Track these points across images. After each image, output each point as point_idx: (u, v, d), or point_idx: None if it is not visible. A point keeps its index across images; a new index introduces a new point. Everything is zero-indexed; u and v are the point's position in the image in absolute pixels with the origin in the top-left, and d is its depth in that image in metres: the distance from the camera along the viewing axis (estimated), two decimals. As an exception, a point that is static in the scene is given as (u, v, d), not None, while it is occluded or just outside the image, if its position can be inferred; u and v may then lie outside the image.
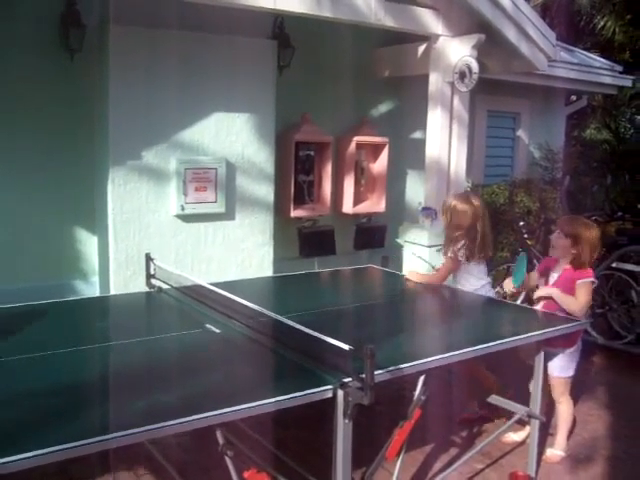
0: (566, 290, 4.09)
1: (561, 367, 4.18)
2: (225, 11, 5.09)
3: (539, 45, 6.40)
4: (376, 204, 7.06)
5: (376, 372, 2.58)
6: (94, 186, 5.56)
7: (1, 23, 5.04)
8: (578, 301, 4.04)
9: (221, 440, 2.53)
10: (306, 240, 6.53)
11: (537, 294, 4.22)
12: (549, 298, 4.12)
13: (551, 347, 4.03)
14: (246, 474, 2.54)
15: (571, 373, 4.22)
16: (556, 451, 4.23)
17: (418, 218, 6.42)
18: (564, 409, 4.26)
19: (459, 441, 4.39)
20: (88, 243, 5.70)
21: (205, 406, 2.43)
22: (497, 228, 7.59)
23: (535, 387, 3.87)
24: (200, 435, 4.01)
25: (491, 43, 6.23)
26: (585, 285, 4.06)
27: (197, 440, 4.15)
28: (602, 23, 12.56)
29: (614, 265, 6.30)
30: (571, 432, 4.42)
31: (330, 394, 2.63)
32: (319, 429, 2.98)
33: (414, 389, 3.19)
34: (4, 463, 2.00)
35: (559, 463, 4.17)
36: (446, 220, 4.59)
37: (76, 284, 5.64)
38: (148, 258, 4.36)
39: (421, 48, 6.55)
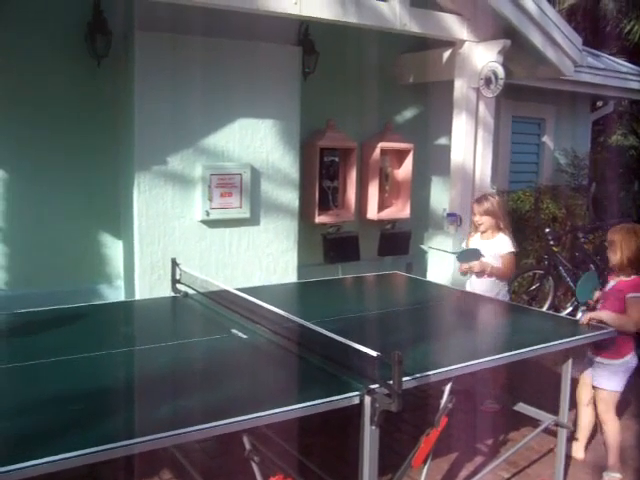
0: (617, 301, 3.99)
1: (607, 379, 4.07)
2: (250, 17, 5.12)
3: (565, 50, 6.35)
4: (401, 210, 7.04)
5: (404, 379, 2.56)
6: (120, 191, 5.61)
7: (31, 30, 5.11)
8: (631, 318, 3.88)
9: (247, 445, 2.52)
10: (330, 246, 6.53)
11: (586, 317, 3.92)
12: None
13: (600, 357, 4.01)
14: (272, 480, 2.53)
15: (617, 388, 4.06)
16: (612, 474, 4.10)
17: (443, 224, 6.40)
18: (609, 428, 4.12)
19: (485, 449, 4.35)
20: (113, 247, 5.74)
21: (231, 412, 2.43)
22: (523, 234, 7.56)
23: (563, 395, 3.81)
24: (225, 440, 4.02)
25: (517, 48, 6.19)
26: (635, 300, 3.90)
27: (222, 445, 4.16)
28: (629, 27, 12.44)
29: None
30: (587, 438, 4.36)
31: (357, 400, 2.62)
32: (345, 436, 2.97)
33: (439, 396, 3.16)
34: (33, 466, 2.01)
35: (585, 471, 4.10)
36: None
37: (101, 288, 5.68)
38: (174, 263, 4.38)
39: (446, 54, 6.52)
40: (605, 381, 4.08)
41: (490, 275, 4.77)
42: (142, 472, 3.89)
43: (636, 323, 3.88)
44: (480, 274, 4.78)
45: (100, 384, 2.77)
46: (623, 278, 4.04)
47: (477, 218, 4.82)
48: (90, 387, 2.72)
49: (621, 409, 5.05)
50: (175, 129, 5.43)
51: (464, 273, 4.92)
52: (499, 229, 4.79)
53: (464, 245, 5.11)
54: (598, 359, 4.06)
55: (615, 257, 4.04)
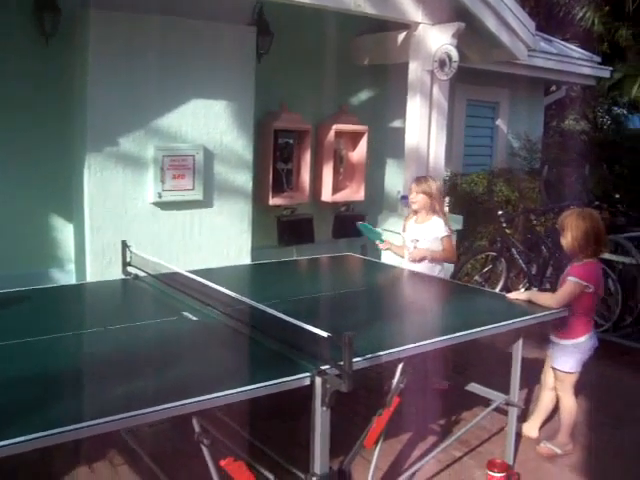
0: (564, 282, 4.04)
1: (562, 360, 4.14)
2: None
3: (519, 34, 6.40)
4: (355, 192, 7.04)
5: (354, 359, 2.56)
6: (71, 173, 5.48)
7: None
8: (554, 296, 3.96)
9: (197, 428, 2.49)
10: (285, 228, 6.51)
11: (512, 296, 4.08)
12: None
13: (557, 337, 4.10)
14: (223, 463, 2.51)
15: (571, 369, 4.13)
16: (552, 446, 4.19)
17: (397, 206, 6.42)
18: (564, 407, 4.20)
19: (437, 429, 4.39)
20: (65, 231, 5.64)
21: (181, 394, 2.40)
22: (476, 217, 7.63)
23: (513, 375, 3.86)
24: (178, 424, 3.98)
25: (471, 32, 6.22)
26: (570, 283, 3.96)
27: (175, 429, 4.11)
28: (581, 14, 12.59)
29: (591, 254, 6.32)
30: (543, 420, 4.43)
31: (308, 381, 2.61)
32: (299, 418, 2.96)
33: (393, 377, 3.17)
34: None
35: (548, 457, 4.16)
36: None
37: (52, 272, 5.57)
38: (124, 245, 4.31)
39: (401, 36, 6.52)
40: (560, 362, 4.15)
41: (432, 260, 4.81)
42: (93, 457, 3.84)
43: (556, 299, 3.92)
44: (418, 260, 4.82)
45: (49, 368, 2.72)
46: (575, 263, 4.11)
47: (413, 195, 4.85)
48: (39, 371, 2.66)
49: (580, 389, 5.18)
50: (127, 110, 5.33)
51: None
52: (433, 211, 4.82)
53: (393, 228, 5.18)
54: (554, 339, 4.14)
55: (566, 242, 4.10)
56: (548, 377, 4.32)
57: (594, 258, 4.09)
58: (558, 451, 4.17)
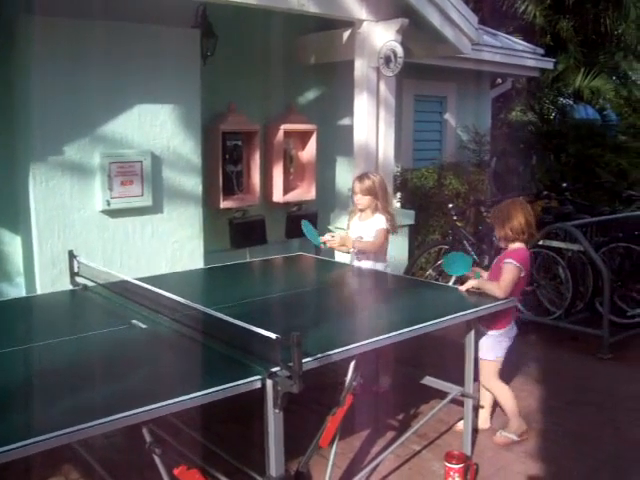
0: (498, 271, 4.10)
1: (489, 350, 4.20)
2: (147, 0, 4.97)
3: (462, 29, 6.47)
4: (306, 192, 7.04)
5: (304, 360, 2.56)
6: (15, 184, 5.37)
7: None
8: (500, 286, 3.97)
9: (148, 438, 2.46)
10: (237, 231, 6.48)
11: (464, 287, 4.10)
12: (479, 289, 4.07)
13: (483, 327, 4.11)
14: (176, 471, 2.48)
15: (494, 357, 4.21)
16: (508, 434, 4.24)
17: (349, 204, 6.43)
18: (499, 396, 4.28)
19: (395, 424, 4.42)
20: (11, 243, 5.53)
21: (131, 404, 2.37)
22: (427, 211, 7.70)
23: (467, 366, 3.90)
24: (132, 434, 3.94)
25: (415, 27, 6.27)
26: (509, 266, 4.02)
27: (129, 440, 4.06)
28: (523, 7, 12.78)
29: (541, 243, 6.43)
30: (494, 410, 4.49)
31: (259, 384, 2.60)
32: (254, 420, 2.95)
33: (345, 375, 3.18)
34: None
35: (505, 445, 4.22)
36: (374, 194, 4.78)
37: (0, 286, 5.45)
38: (71, 255, 4.24)
39: (346, 34, 6.55)
40: (485, 351, 4.21)
41: (361, 251, 4.81)
42: (47, 473, 3.77)
43: (503, 288, 3.96)
44: (360, 255, 4.83)
45: (-5, 383, 2.66)
46: (508, 249, 4.19)
47: (357, 197, 4.82)
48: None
49: (524, 376, 5.25)
50: (72, 117, 5.24)
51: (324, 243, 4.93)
52: (377, 209, 4.80)
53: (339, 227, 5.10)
54: (482, 329, 4.16)
55: (500, 230, 4.20)
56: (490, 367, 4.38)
57: (524, 244, 4.18)
58: (515, 437, 4.23)
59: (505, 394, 4.29)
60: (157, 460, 2.51)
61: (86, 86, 5.27)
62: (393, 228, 4.83)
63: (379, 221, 4.77)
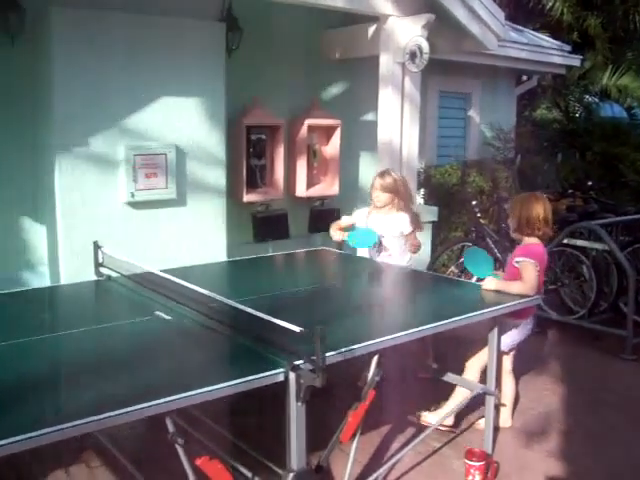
0: (512, 267, 4.08)
1: (501, 339, 4.13)
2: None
3: (489, 25, 6.41)
4: (329, 187, 7.03)
5: (328, 354, 2.56)
6: (41, 174, 5.41)
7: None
8: (524, 283, 3.94)
9: (171, 428, 2.48)
10: (260, 224, 6.48)
11: (486, 287, 4.04)
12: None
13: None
14: (198, 461, 2.50)
15: (506, 347, 4.21)
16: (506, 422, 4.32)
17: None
18: (504, 384, 4.30)
19: (416, 420, 4.40)
20: (36, 233, 5.57)
21: (155, 394, 2.39)
22: (450, 208, 7.67)
23: (490, 364, 3.88)
24: (154, 424, 3.96)
25: (441, 23, 6.22)
26: (524, 264, 3.99)
27: (152, 429, 4.09)
28: (550, 4, 12.67)
29: (565, 241, 6.38)
30: (514, 408, 4.48)
31: (282, 377, 2.60)
32: (275, 414, 2.96)
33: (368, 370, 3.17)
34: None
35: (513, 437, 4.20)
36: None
37: (25, 275, 5.50)
38: (96, 246, 4.27)
39: (371, 29, 6.52)
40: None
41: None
42: (69, 460, 3.82)
43: (533, 287, 3.93)
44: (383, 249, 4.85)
45: (21, 371, 2.69)
46: (520, 245, 4.18)
47: (376, 193, 4.81)
48: (10, 375, 2.63)
49: (547, 375, 5.22)
50: (96, 109, 5.26)
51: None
52: (399, 208, 4.80)
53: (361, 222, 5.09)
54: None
55: (516, 221, 4.17)
56: (505, 363, 4.35)
57: (538, 240, 4.14)
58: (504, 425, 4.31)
59: (509, 386, 4.34)
60: (179, 450, 2.52)
61: (111, 78, 5.30)
62: (417, 226, 4.82)
63: (404, 223, 4.76)
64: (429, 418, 4.29)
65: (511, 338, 4.21)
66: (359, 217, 4.99)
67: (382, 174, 4.84)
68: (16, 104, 5.26)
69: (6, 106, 5.23)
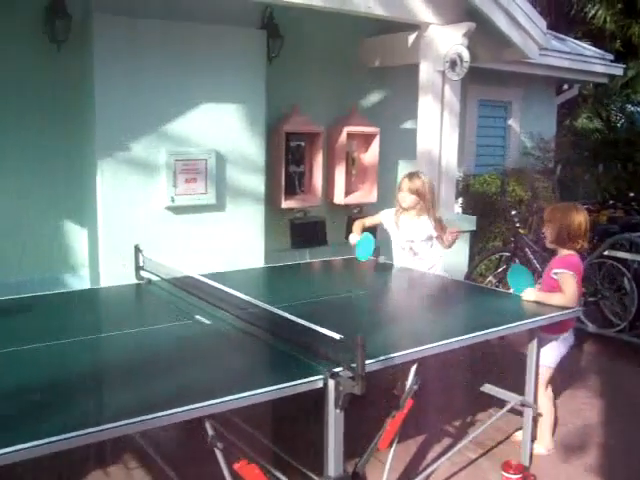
0: (550, 279, 4.03)
1: (545, 354, 4.08)
2: (214, 1, 5.03)
3: (530, 33, 6.36)
4: (368, 194, 7.03)
5: (367, 361, 2.55)
6: (83, 178, 5.51)
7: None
8: (565, 295, 3.89)
9: (210, 432, 2.50)
10: (297, 231, 6.50)
11: (526, 297, 4.00)
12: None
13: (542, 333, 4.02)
14: (236, 466, 2.51)
15: (551, 364, 4.12)
16: (540, 449, 4.18)
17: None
18: (543, 402, 4.16)
19: (452, 430, 4.38)
20: (77, 236, 5.65)
21: (194, 397, 2.41)
22: (489, 218, 7.61)
23: (529, 376, 3.84)
24: (191, 428, 3.99)
25: (482, 31, 6.19)
26: (564, 276, 3.93)
27: (188, 433, 4.13)
28: (593, 12, 12.54)
29: (606, 253, 6.29)
30: (555, 426, 4.38)
31: (321, 384, 2.61)
32: (312, 421, 2.97)
33: (406, 379, 3.16)
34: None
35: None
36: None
37: (66, 278, 5.59)
38: (137, 250, 4.33)
39: (411, 37, 6.51)
40: (543, 356, 4.08)
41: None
42: (107, 461, 3.86)
43: (573, 299, 3.87)
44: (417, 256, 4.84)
45: (63, 372, 2.73)
46: (557, 256, 4.11)
47: (402, 195, 4.77)
48: (53, 375, 2.68)
49: (586, 389, 5.15)
50: (138, 115, 5.34)
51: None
52: (425, 212, 4.77)
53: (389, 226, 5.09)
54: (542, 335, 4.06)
55: (554, 231, 4.08)
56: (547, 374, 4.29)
57: (574, 252, 4.07)
58: (544, 452, 4.17)
59: (548, 406, 4.20)
60: (218, 454, 2.54)
61: (152, 84, 5.38)
62: (442, 231, 4.78)
63: (428, 227, 4.74)
64: (538, 449, 4.17)
65: (557, 352, 4.12)
66: (386, 218, 4.96)
67: (410, 176, 4.82)
68: (61, 109, 5.36)
69: (52, 111, 5.33)
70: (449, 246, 4.86)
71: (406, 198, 4.75)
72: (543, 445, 4.19)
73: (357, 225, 5.13)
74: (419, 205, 4.74)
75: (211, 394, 2.44)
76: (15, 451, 2.01)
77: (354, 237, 5.05)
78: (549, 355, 4.10)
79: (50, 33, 5.15)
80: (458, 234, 4.88)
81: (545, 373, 4.13)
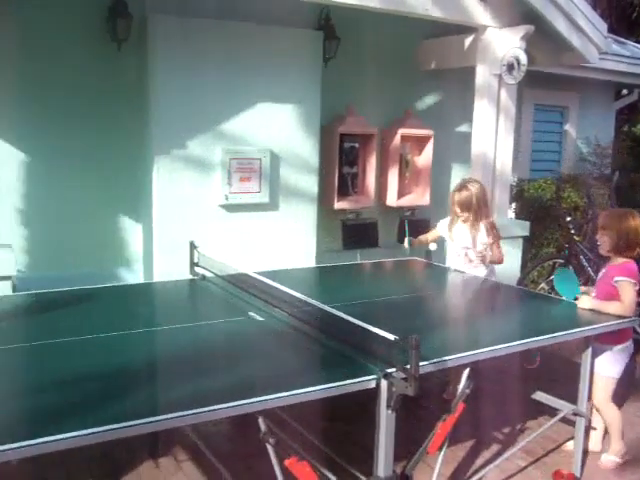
0: (606, 286, 3.97)
1: (607, 365, 4.02)
2: (271, 1, 5.07)
3: (590, 37, 6.27)
4: (420, 197, 7.00)
5: (421, 363, 2.54)
6: (139, 174, 5.61)
7: (51, 15, 5.12)
8: (623, 304, 3.80)
9: (263, 427, 2.52)
10: (349, 232, 6.51)
11: (581, 305, 3.94)
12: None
13: (599, 343, 3.94)
14: (287, 462, 2.52)
15: (614, 374, 4.02)
16: (611, 457, 4.09)
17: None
18: (609, 413, 4.09)
19: (502, 437, 4.33)
20: (132, 231, 5.77)
21: (247, 393, 2.42)
22: (543, 223, 7.50)
23: (582, 384, 3.77)
24: (240, 424, 4.04)
25: (540, 34, 6.12)
26: (624, 284, 3.84)
27: (237, 429, 4.18)
28: (655, 15, 12.28)
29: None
30: (605, 433, 4.30)
31: (373, 384, 2.61)
32: (362, 422, 2.97)
33: (458, 383, 3.14)
34: (46, 442, 2.02)
35: (611, 469, 4.06)
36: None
37: (120, 272, 5.70)
38: (192, 246, 4.39)
39: (468, 40, 6.46)
40: (607, 368, 4.02)
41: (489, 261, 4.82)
42: (157, 453, 3.93)
43: (631, 308, 3.78)
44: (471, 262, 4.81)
45: (117, 364, 2.77)
46: (613, 263, 4.01)
47: (453, 207, 4.77)
48: (107, 366, 2.72)
49: (629, 399, 5.03)
50: (194, 113, 5.43)
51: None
52: (478, 219, 4.74)
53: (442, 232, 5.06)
54: (597, 345, 3.95)
55: (611, 237, 3.99)
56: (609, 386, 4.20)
57: (631, 260, 3.97)
58: (618, 460, 4.08)
59: (615, 414, 4.11)
60: (270, 450, 2.56)
61: (209, 83, 5.45)
62: (496, 237, 4.76)
63: (479, 234, 4.72)
64: (609, 458, 4.11)
65: (621, 363, 4.03)
66: (442, 227, 4.96)
67: (460, 188, 4.78)
68: (120, 107, 5.48)
69: (111, 109, 5.45)
70: (497, 263, 4.87)
71: (457, 210, 4.75)
72: (615, 453, 4.10)
73: (421, 239, 5.14)
74: (470, 216, 4.71)
75: (265, 390, 2.46)
76: (66, 439, 2.05)
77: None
78: (613, 366, 4.02)
79: (112, 32, 5.27)
80: (499, 260, 4.87)
81: (610, 384, 4.04)
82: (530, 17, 6.00)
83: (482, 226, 4.73)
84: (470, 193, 4.70)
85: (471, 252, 4.77)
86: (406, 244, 5.06)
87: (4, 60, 5.00)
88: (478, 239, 4.74)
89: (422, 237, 5.14)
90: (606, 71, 8.61)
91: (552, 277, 6.57)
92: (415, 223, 6.83)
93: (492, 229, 4.77)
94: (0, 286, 4.17)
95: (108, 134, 5.47)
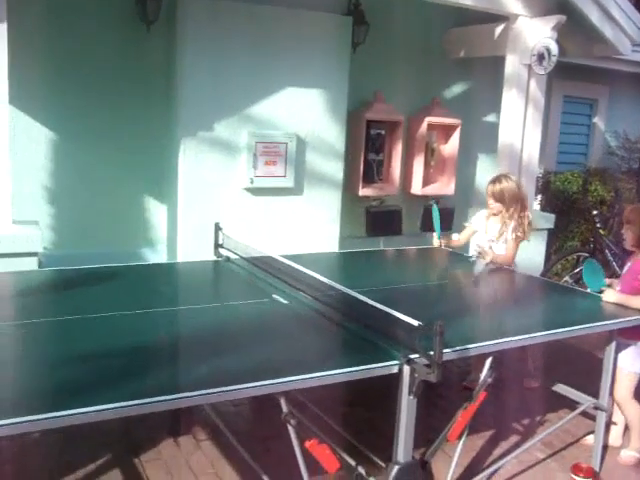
0: (634, 281, 3.91)
1: (631, 360, 3.96)
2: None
3: (623, 28, 6.17)
4: (445, 186, 6.97)
5: (444, 350, 2.54)
6: (166, 156, 5.64)
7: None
8: None
9: (285, 408, 2.53)
10: (373, 219, 6.50)
11: (605, 299, 3.88)
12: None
13: (623, 338, 3.90)
14: (307, 444, 2.53)
15: (638, 369, 3.98)
16: (631, 452, 4.05)
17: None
18: (630, 409, 4.04)
19: (521, 429, 4.31)
20: (157, 212, 5.80)
21: (270, 374, 2.44)
22: (568, 216, 7.44)
23: (604, 379, 3.74)
24: (259, 405, 4.06)
25: (572, 25, 6.05)
26: None
27: (256, 411, 4.20)
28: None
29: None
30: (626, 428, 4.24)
31: (396, 369, 2.61)
32: (381, 408, 2.97)
33: (480, 371, 3.13)
34: (67, 415, 2.04)
35: (632, 465, 4.03)
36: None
37: (144, 252, 5.75)
38: (217, 227, 4.40)
39: (498, 29, 6.40)
40: (626, 362, 3.96)
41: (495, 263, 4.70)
42: (177, 432, 3.96)
43: None
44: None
45: (140, 341, 2.79)
46: (638, 258, 3.98)
47: (489, 200, 4.73)
48: (130, 343, 2.74)
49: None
50: (221, 95, 5.44)
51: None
52: (509, 215, 4.68)
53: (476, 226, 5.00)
54: (621, 340, 3.88)
55: (629, 236, 3.96)
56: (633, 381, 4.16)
57: None
58: (638, 455, 4.04)
59: (636, 410, 4.06)
60: (291, 431, 2.57)
61: (237, 66, 5.46)
62: (522, 235, 4.69)
63: (509, 230, 4.67)
64: (625, 455, 4.07)
65: (638, 361, 3.99)
66: (476, 220, 4.93)
67: (494, 181, 4.74)
68: (148, 88, 5.51)
69: (139, 90, 5.48)
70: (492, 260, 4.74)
71: (492, 204, 4.71)
72: (635, 449, 4.05)
73: (453, 240, 5.13)
74: (502, 210, 4.67)
75: (288, 371, 2.47)
76: (86, 412, 2.06)
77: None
78: (637, 361, 3.97)
79: (141, 13, 5.28)
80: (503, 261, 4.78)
81: (633, 380, 3.99)
82: (562, 7, 5.93)
83: (512, 223, 4.68)
84: (502, 187, 4.66)
85: (495, 245, 4.74)
86: (435, 241, 5.01)
87: (35, 41, 5.03)
88: (504, 234, 4.69)
89: (454, 237, 5.12)
90: (638, 63, 8.48)
91: (576, 270, 6.56)
92: (440, 212, 6.81)
93: (516, 230, 4.70)
94: (26, 262, 4.20)
95: (135, 115, 5.49)
